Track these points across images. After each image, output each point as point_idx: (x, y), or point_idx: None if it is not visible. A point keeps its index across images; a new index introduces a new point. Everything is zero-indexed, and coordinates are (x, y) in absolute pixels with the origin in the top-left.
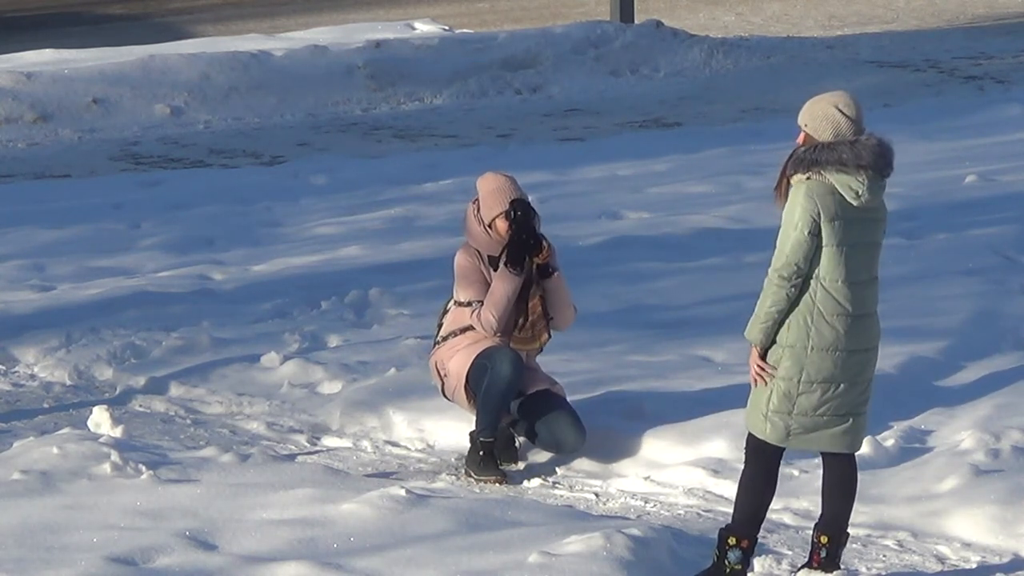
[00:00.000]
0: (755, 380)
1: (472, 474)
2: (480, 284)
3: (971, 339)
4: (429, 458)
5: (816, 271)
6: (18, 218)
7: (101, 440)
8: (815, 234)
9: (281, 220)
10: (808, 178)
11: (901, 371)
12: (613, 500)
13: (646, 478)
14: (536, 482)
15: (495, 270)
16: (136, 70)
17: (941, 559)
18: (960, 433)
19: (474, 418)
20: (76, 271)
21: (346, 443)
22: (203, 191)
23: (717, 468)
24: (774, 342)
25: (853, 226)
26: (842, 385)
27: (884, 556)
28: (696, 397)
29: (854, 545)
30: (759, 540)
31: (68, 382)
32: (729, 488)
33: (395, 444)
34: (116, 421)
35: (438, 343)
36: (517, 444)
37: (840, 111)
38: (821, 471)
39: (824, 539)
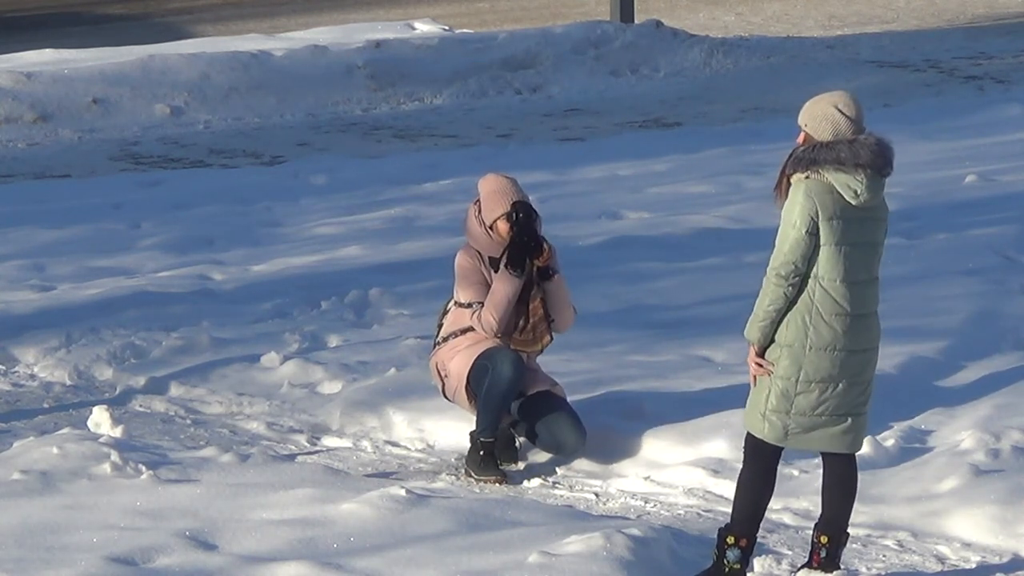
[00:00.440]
0: (754, 379)
1: (472, 474)
2: (481, 285)
3: (971, 339)
4: (429, 458)
5: (815, 270)
6: (18, 218)
7: (101, 440)
8: (813, 233)
9: (281, 220)
10: (807, 177)
11: (901, 371)
12: (613, 500)
13: (646, 478)
14: (536, 482)
15: (496, 271)
16: (136, 70)
17: (941, 559)
18: (960, 433)
19: (474, 418)
20: (76, 271)
21: (346, 443)
22: (203, 191)
23: (717, 468)
24: (773, 341)
25: (852, 225)
26: (841, 385)
27: (884, 556)
28: (696, 397)
29: (854, 545)
30: (759, 540)
31: (68, 382)
32: (729, 488)
33: (395, 444)
34: (116, 421)
35: (438, 344)
36: (517, 444)
37: (840, 111)
38: (821, 471)
39: (824, 539)
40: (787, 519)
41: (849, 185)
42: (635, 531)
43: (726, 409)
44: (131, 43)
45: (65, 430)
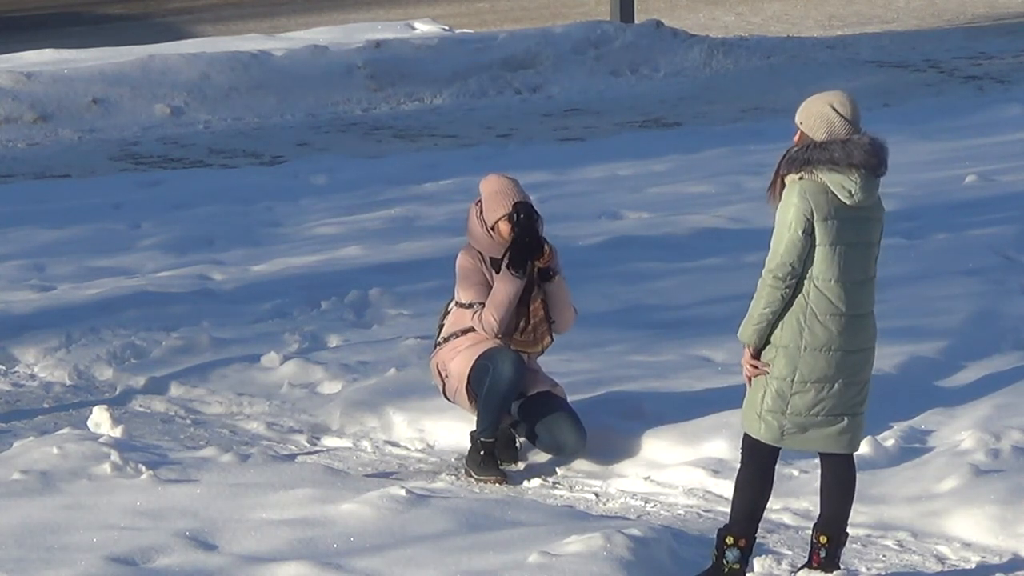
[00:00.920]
0: (749, 380)
1: (472, 474)
2: (482, 286)
3: (971, 339)
4: (429, 458)
5: (809, 271)
6: (18, 218)
7: (101, 440)
8: (809, 234)
9: (281, 220)
10: (801, 178)
11: (901, 371)
12: (613, 500)
13: (646, 478)
14: (536, 482)
15: (497, 272)
16: (136, 70)
17: (941, 559)
18: (960, 433)
19: (475, 419)
20: (76, 271)
21: (346, 443)
22: (203, 191)
23: (717, 468)
24: (768, 342)
25: (847, 225)
26: (837, 385)
27: (884, 556)
28: (696, 397)
29: (854, 545)
30: (759, 540)
31: (68, 382)
32: (729, 488)
33: (395, 444)
34: (116, 421)
35: (439, 344)
36: (518, 444)
37: (835, 110)
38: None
39: (823, 539)
40: (787, 519)
41: (843, 185)
42: (635, 531)
43: (726, 409)
44: (131, 43)
45: (65, 430)
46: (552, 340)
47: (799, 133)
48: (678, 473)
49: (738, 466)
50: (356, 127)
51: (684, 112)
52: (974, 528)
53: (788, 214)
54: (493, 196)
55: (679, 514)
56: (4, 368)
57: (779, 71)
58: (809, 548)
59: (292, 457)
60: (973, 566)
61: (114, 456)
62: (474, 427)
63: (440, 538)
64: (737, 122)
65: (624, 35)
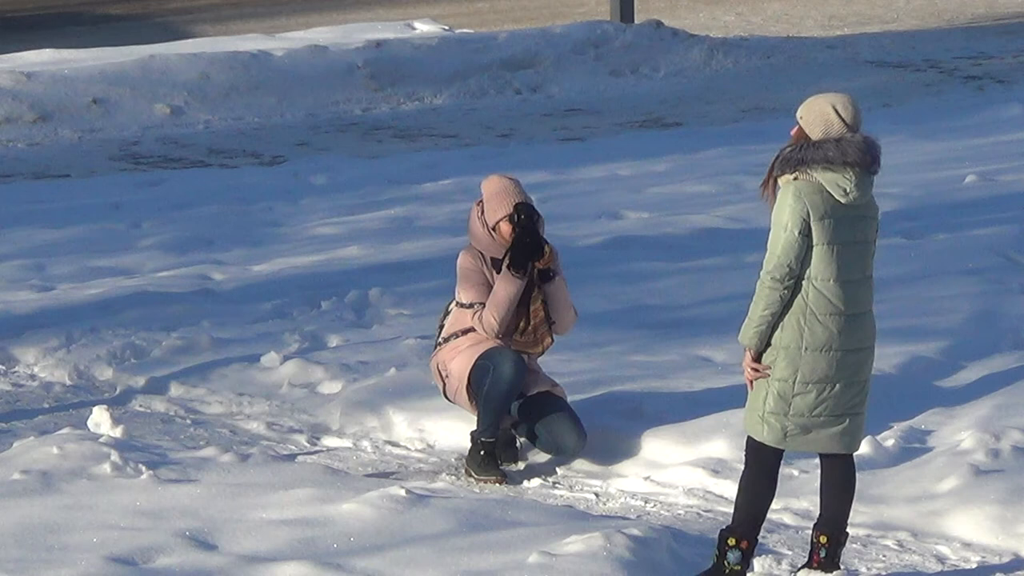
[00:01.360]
0: (751, 382)
1: (472, 474)
2: (482, 286)
3: (971, 339)
4: (429, 458)
5: (807, 271)
6: (18, 218)
7: (101, 440)
8: (806, 234)
9: (281, 220)
10: (795, 178)
11: (901, 371)
12: (613, 500)
13: (646, 478)
14: (536, 482)
15: (498, 272)
16: (136, 70)
17: (941, 559)
18: (960, 433)
19: (475, 419)
20: (76, 271)
21: (346, 443)
22: (203, 191)
23: (717, 468)
24: (769, 344)
25: (843, 224)
26: (838, 385)
27: (884, 556)
28: (696, 397)
29: (854, 545)
30: (759, 540)
31: (68, 382)
32: (729, 488)
33: (395, 444)
34: (116, 421)
35: (439, 344)
36: (518, 444)
37: (836, 112)
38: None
39: (823, 539)
40: (787, 519)
41: (838, 184)
42: (635, 531)
43: (726, 409)
44: (131, 43)
45: (65, 430)
46: (552, 341)
47: (797, 128)
48: (678, 473)
49: (738, 466)
50: (356, 127)
51: (684, 112)
52: (974, 528)
53: (784, 215)
54: (494, 196)
55: (679, 514)
56: (4, 368)
57: (779, 71)
58: (809, 548)
59: (292, 457)
60: (973, 566)
61: (114, 456)
62: (474, 427)
63: (440, 538)
64: (737, 122)
65: (624, 35)
